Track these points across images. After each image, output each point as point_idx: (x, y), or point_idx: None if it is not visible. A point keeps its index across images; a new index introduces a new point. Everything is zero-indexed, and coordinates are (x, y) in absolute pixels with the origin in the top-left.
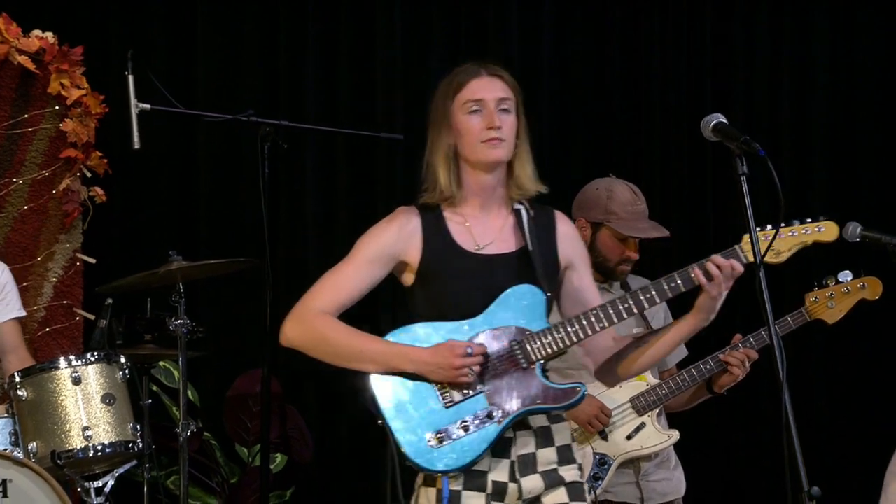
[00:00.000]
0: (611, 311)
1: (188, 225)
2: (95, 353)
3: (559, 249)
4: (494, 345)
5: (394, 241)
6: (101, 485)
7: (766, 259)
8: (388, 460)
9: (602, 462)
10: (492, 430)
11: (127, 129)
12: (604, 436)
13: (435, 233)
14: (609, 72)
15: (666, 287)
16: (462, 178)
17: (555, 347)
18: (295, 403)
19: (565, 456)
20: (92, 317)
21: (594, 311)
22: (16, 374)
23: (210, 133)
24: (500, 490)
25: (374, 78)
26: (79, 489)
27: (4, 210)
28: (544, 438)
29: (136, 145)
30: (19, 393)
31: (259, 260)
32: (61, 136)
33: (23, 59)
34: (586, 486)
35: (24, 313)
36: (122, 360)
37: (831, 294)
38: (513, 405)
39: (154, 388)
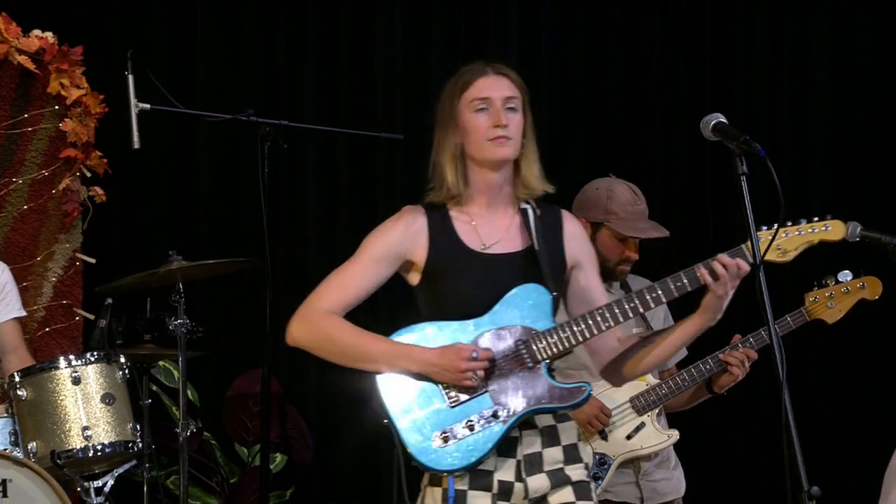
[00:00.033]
0: (616, 311)
1: (188, 225)
2: (95, 353)
3: (566, 249)
4: (500, 344)
5: (400, 240)
6: (100, 484)
7: (773, 258)
8: (394, 460)
9: (602, 462)
10: (497, 429)
11: (127, 129)
12: (603, 435)
13: (441, 232)
14: (609, 72)
15: (672, 286)
16: (469, 176)
17: (560, 347)
18: (295, 403)
19: (572, 455)
20: (92, 317)
21: (600, 311)
22: (15, 373)
23: (210, 133)
24: (506, 489)
25: (374, 78)
26: (78, 489)
27: (4, 210)
28: (550, 437)
29: (136, 145)
30: (19, 393)
31: (259, 260)
32: (61, 136)
33: (22, 59)
34: (593, 486)
35: (24, 313)
36: (122, 359)
37: (831, 294)
38: (518, 404)
39: (154, 387)
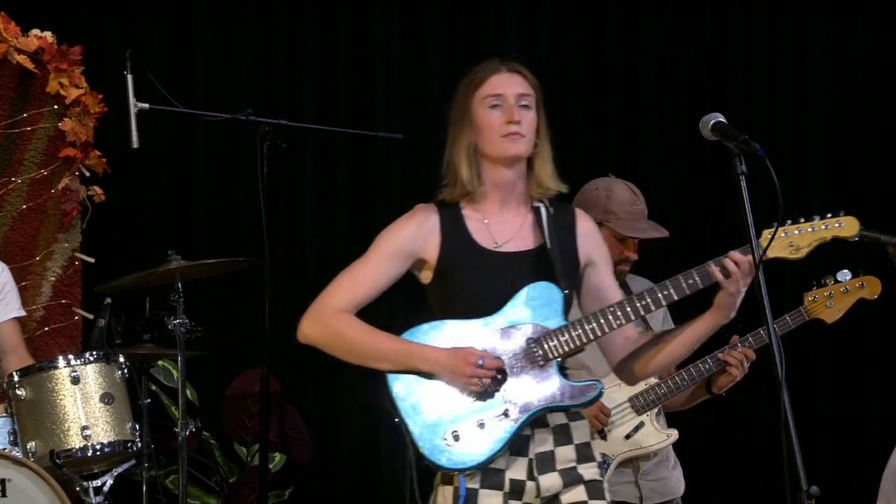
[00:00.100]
0: (628, 309)
1: (187, 224)
2: (94, 353)
3: (579, 247)
4: (511, 342)
5: (412, 238)
6: (99, 484)
7: (785, 255)
8: (405, 459)
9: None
10: (508, 427)
11: (126, 129)
12: (603, 435)
13: (453, 230)
14: (608, 72)
15: (684, 284)
16: (482, 174)
17: (572, 345)
18: (294, 403)
19: (584, 454)
20: (91, 316)
21: (611, 309)
22: (14, 373)
23: (209, 132)
24: (517, 488)
25: (373, 78)
26: (77, 488)
27: (3, 209)
28: (563, 436)
29: (135, 144)
30: (18, 392)
31: (258, 259)
32: (60, 136)
33: (21, 59)
34: (605, 485)
35: (23, 313)
36: (121, 359)
37: (830, 293)
38: (529, 403)
39: (153, 387)
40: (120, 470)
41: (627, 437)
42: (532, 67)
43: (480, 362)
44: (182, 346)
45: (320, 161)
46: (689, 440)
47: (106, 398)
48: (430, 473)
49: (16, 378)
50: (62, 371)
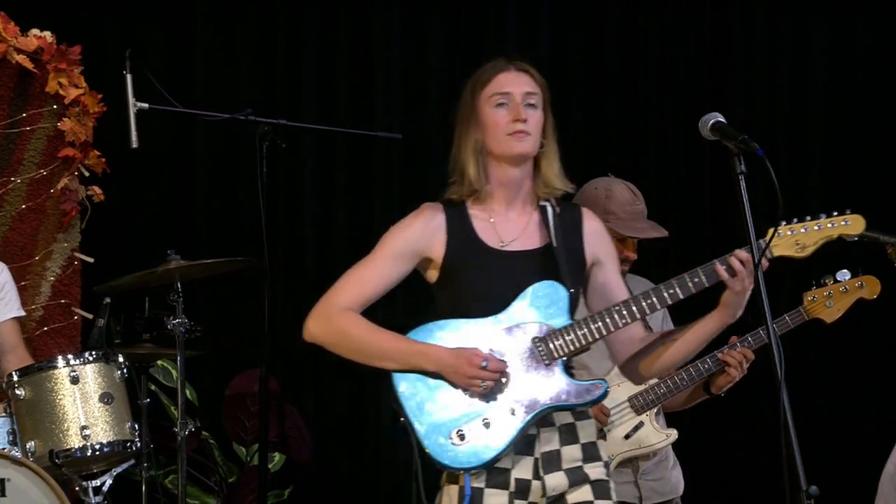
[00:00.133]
0: (634, 308)
1: (186, 224)
2: (93, 353)
3: (586, 246)
4: (516, 341)
5: (418, 236)
6: (99, 484)
7: (791, 254)
8: (412, 460)
9: None
10: (513, 426)
11: (125, 129)
12: (602, 435)
13: (459, 229)
14: (608, 72)
15: (689, 283)
16: (488, 172)
17: (577, 344)
18: (293, 403)
19: (590, 453)
20: (90, 316)
21: (617, 307)
22: (14, 373)
23: (208, 132)
24: (523, 487)
25: (372, 77)
26: (77, 488)
27: (2, 209)
28: (569, 435)
29: (135, 144)
30: (17, 392)
31: (257, 259)
32: (59, 136)
33: (21, 59)
34: (612, 485)
35: (23, 313)
36: (121, 359)
37: (829, 293)
38: (535, 402)
39: (152, 387)
40: (119, 470)
41: (627, 436)
42: (533, 67)
43: (484, 364)
44: (181, 345)
45: (320, 161)
46: (688, 440)
47: (105, 398)
48: (435, 472)
49: (15, 378)
50: (61, 371)
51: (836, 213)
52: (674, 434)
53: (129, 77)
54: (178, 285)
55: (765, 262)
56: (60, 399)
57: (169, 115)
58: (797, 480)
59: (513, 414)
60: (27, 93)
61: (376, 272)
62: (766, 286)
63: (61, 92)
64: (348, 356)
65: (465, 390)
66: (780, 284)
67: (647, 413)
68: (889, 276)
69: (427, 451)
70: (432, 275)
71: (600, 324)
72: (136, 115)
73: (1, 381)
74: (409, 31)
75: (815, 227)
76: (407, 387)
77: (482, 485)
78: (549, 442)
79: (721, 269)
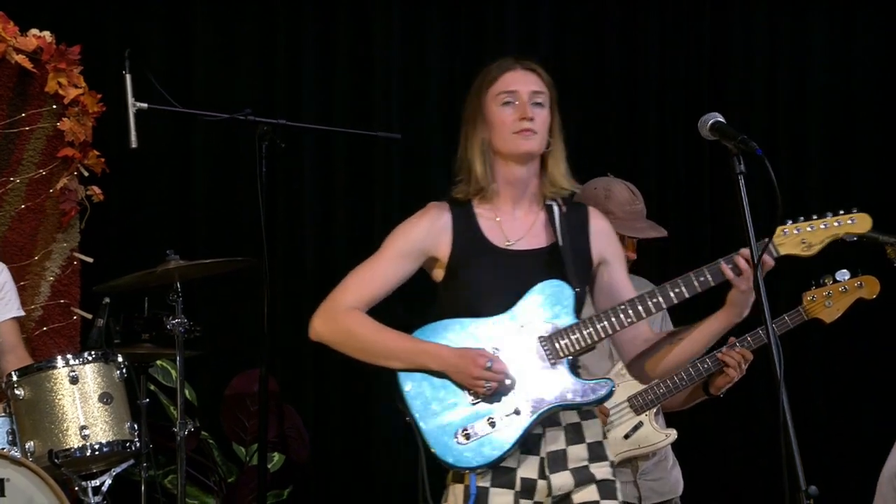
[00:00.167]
0: (639, 307)
1: (185, 224)
2: (93, 353)
3: (592, 246)
4: (522, 340)
5: (424, 235)
6: (98, 484)
7: (798, 252)
8: (418, 459)
9: None
10: (519, 426)
11: (124, 128)
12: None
13: (465, 228)
14: (607, 71)
15: (695, 281)
16: (495, 171)
17: (583, 343)
18: (292, 402)
19: (596, 453)
20: (89, 316)
21: (622, 307)
22: (13, 373)
23: (208, 132)
24: (528, 487)
25: (372, 78)
26: (76, 488)
27: (2, 209)
28: (575, 435)
29: (134, 144)
30: (16, 392)
31: (256, 259)
32: (58, 135)
33: (20, 58)
34: (618, 484)
35: (22, 313)
36: (120, 359)
37: (829, 293)
38: (540, 401)
39: (151, 387)
40: (118, 470)
41: (626, 436)
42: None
43: (489, 364)
44: (181, 345)
45: (319, 161)
46: (687, 440)
47: (104, 398)
48: (439, 475)
49: (14, 378)
50: (61, 371)
51: (842, 212)
52: (673, 434)
53: (128, 77)
54: (178, 285)
55: (771, 261)
56: (60, 399)
57: (168, 115)
58: (796, 480)
59: (518, 413)
60: (26, 93)
61: (382, 271)
62: (765, 286)
63: (61, 92)
64: (354, 355)
65: (470, 390)
66: (780, 284)
67: (647, 413)
68: (889, 276)
69: (432, 450)
70: (438, 274)
71: (606, 323)
72: (136, 115)
73: (0, 381)
74: (409, 31)
75: (822, 226)
76: (413, 386)
77: (487, 484)
78: (554, 441)
79: (727, 268)
